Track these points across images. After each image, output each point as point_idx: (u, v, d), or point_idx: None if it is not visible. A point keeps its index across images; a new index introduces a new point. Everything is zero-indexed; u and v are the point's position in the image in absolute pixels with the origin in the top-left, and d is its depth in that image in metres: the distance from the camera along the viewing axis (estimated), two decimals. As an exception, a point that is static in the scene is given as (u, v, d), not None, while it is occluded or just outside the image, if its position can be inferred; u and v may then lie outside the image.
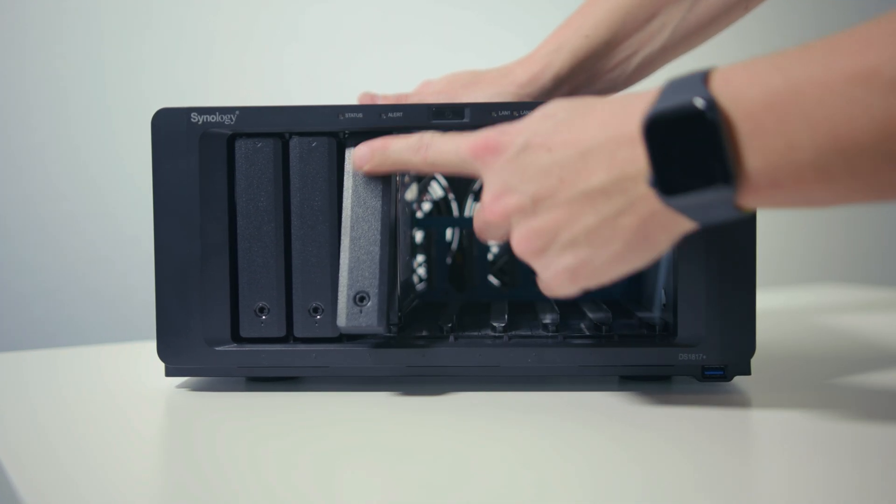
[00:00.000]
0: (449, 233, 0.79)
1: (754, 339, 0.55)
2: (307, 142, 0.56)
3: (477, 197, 0.79)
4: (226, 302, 0.57)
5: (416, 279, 0.78)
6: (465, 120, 0.56)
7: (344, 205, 0.56)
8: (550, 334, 0.58)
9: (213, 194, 0.56)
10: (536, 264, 0.47)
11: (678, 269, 0.54)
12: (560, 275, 0.46)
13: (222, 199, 0.56)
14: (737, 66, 0.39)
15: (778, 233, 1.65)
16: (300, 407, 0.53)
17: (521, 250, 0.47)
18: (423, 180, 0.78)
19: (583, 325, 0.60)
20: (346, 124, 0.56)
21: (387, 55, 1.26)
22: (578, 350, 0.56)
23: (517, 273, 0.77)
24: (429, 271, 0.78)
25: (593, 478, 0.40)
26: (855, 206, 1.61)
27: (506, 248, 0.79)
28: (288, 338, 0.57)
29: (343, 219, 0.55)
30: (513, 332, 0.58)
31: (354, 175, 0.56)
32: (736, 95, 0.38)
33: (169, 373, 0.57)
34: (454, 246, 0.80)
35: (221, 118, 0.56)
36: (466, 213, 0.79)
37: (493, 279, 0.79)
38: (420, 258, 0.79)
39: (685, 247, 0.54)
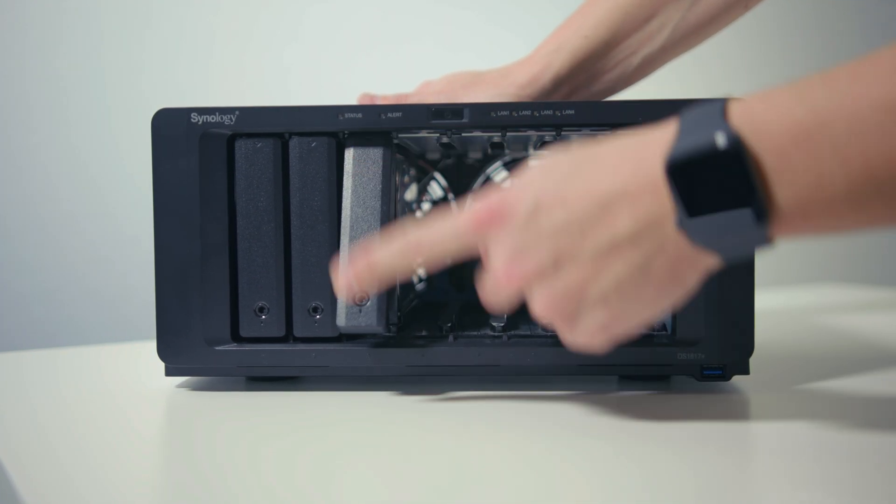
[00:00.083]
0: (449, 233, 0.79)
1: (753, 338, 0.55)
2: (307, 142, 0.56)
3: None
4: (226, 302, 0.57)
5: (415, 279, 0.78)
6: (465, 120, 0.56)
7: (343, 205, 0.56)
8: (550, 334, 0.58)
9: (213, 194, 0.56)
10: (565, 327, 0.43)
11: (677, 269, 0.54)
12: (590, 332, 0.43)
13: (222, 199, 0.56)
14: (755, 97, 0.38)
15: (778, 233, 1.65)
16: (300, 407, 0.53)
17: (547, 315, 0.43)
18: (422, 180, 0.78)
19: (582, 325, 0.60)
20: (346, 124, 0.56)
21: (387, 55, 1.26)
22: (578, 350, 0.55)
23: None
24: (427, 271, 0.78)
25: (592, 478, 0.40)
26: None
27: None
28: (288, 337, 0.57)
29: (343, 219, 0.55)
30: (512, 332, 0.58)
31: (354, 175, 0.56)
32: (759, 129, 0.36)
33: (169, 373, 0.57)
34: (454, 246, 0.79)
35: (221, 118, 0.56)
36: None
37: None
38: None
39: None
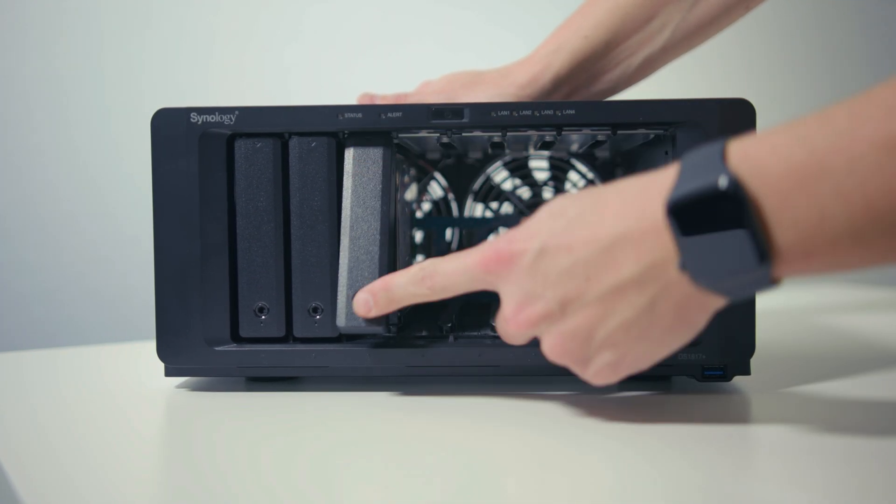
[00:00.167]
0: (449, 233, 0.79)
1: (754, 339, 0.55)
2: (307, 142, 0.56)
3: (477, 197, 0.79)
4: (225, 302, 0.57)
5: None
6: (465, 120, 0.56)
7: (343, 205, 0.56)
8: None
9: (213, 194, 0.56)
10: (575, 367, 0.45)
11: (678, 269, 0.54)
12: (601, 372, 0.44)
13: (222, 199, 0.56)
14: (753, 139, 0.38)
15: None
16: (300, 407, 0.53)
17: (555, 356, 0.45)
18: (422, 180, 0.78)
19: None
20: (346, 124, 0.56)
21: (387, 55, 1.26)
22: (578, 350, 0.55)
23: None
24: (425, 259, 0.78)
25: (592, 478, 0.40)
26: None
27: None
28: (287, 338, 0.57)
29: (343, 219, 0.55)
30: (512, 332, 0.58)
31: (354, 175, 0.56)
32: (758, 171, 0.37)
33: (169, 373, 0.57)
34: (454, 246, 0.80)
35: (221, 118, 0.56)
36: (466, 213, 0.79)
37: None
38: (420, 258, 0.79)
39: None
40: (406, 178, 0.70)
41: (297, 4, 1.22)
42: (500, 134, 0.59)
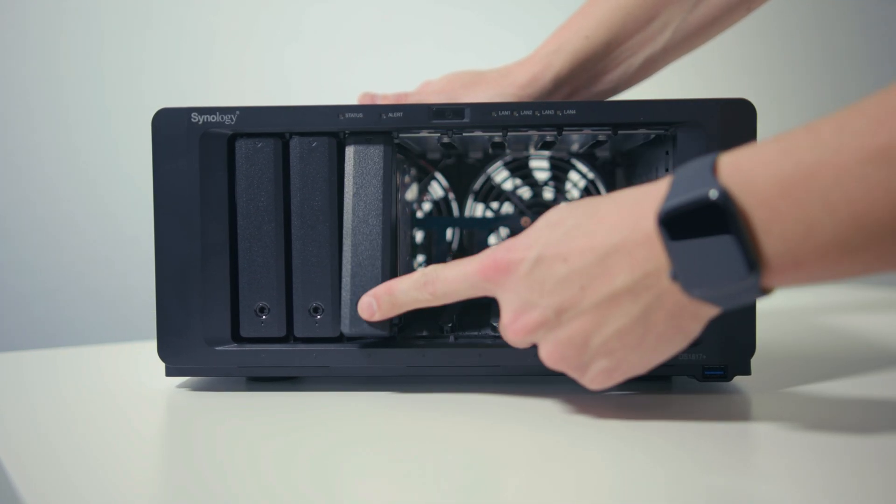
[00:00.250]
0: (449, 233, 0.79)
1: (754, 339, 0.55)
2: (307, 142, 0.56)
3: (477, 197, 0.79)
4: (226, 302, 0.57)
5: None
6: (465, 120, 0.56)
7: (345, 206, 0.56)
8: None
9: (213, 194, 0.56)
10: (572, 372, 0.46)
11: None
12: (598, 377, 0.46)
13: (222, 199, 0.56)
14: (743, 152, 0.39)
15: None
16: (300, 407, 0.53)
17: (552, 362, 0.46)
18: (423, 180, 0.78)
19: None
20: (347, 124, 0.56)
21: (387, 55, 1.26)
22: (579, 350, 0.55)
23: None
24: (427, 266, 0.78)
25: (593, 479, 0.40)
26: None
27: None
28: (288, 338, 0.57)
29: (344, 221, 0.55)
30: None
31: (355, 175, 0.56)
32: (747, 184, 0.38)
33: (169, 373, 0.57)
34: (454, 246, 0.80)
35: (222, 118, 0.56)
36: (466, 213, 0.79)
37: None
38: (420, 258, 0.79)
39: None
40: (406, 178, 0.70)
41: (297, 4, 1.22)
42: (500, 134, 0.59)
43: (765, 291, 0.40)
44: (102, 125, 1.12)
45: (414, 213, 0.77)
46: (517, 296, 0.46)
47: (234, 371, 0.57)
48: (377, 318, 0.54)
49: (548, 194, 0.77)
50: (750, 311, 0.54)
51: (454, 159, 0.79)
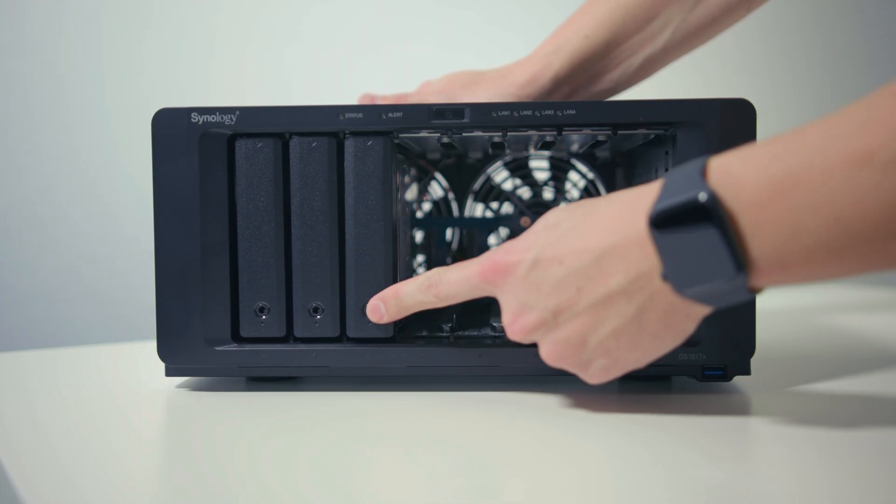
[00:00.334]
0: (449, 233, 0.79)
1: (754, 339, 0.55)
2: (307, 142, 0.56)
3: (477, 197, 0.79)
4: (226, 302, 0.57)
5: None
6: (465, 120, 0.56)
7: (346, 207, 0.56)
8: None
9: (213, 194, 0.56)
10: (572, 369, 0.48)
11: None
12: (597, 373, 0.47)
13: (222, 199, 0.56)
14: (732, 156, 0.40)
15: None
16: (300, 407, 0.53)
17: (552, 361, 0.47)
18: (423, 180, 0.78)
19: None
20: (346, 124, 0.56)
21: (387, 55, 1.26)
22: (578, 350, 0.55)
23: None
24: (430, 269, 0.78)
25: (593, 478, 0.40)
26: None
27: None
28: (288, 338, 0.57)
29: (346, 222, 0.56)
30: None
31: (355, 175, 0.56)
32: (736, 186, 0.39)
33: (169, 373, 0.57)
34: (454, 246, 0.80)
35: (221, 118, 0.56)
36: (466, 213, 0.79)
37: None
38: (420, 258, 0.79)
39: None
40: (406, 178, 0.70)
41: (297, 4, 1.22)
42: (500, 134, 0.59)
43: (754, 291, 0.41)
44: (102, 125, 1.12)
45: (414, 213, 0.77)
46: (516, 297, 0.47)
47: (233, 371, 0.57)
48: (385, 320, 0.55)
49: (548, 194, 0.77)
50: (750, 311, 0.54)
51: (454, 159, 0.79)
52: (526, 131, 0.58)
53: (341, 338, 0.57)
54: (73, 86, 1.11)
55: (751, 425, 0.49)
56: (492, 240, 0.77)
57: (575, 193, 0.77)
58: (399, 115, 0.55)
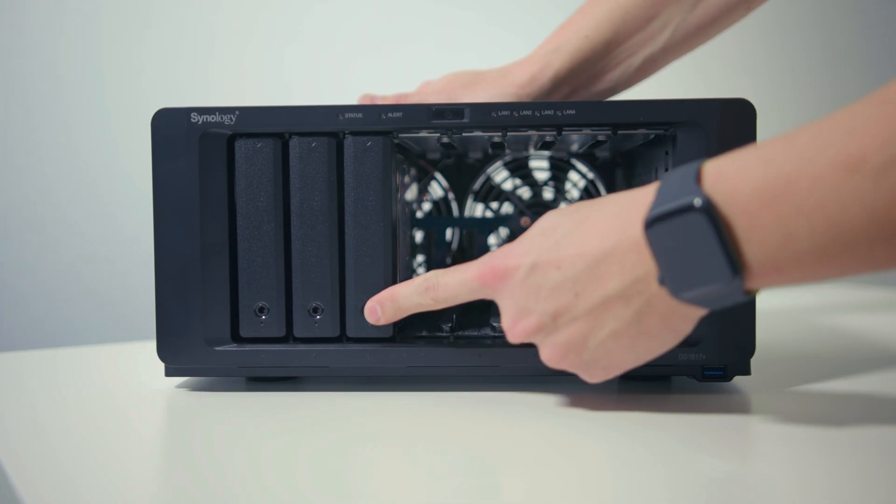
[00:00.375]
0: (449, 233, 0.79)
1: (754, 338, 0.55)
2: (307, 142, 0.56)
3: (477, 197, 0.79)
4: (226, 302, 0.57)
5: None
6: (465, 120, 0.56)
7: (346, 208, 0.56)
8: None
9: (213, 194, 0.56)
10: (573, 370, 0.48)
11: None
12: (597, 373, 0.48)
13: (222, 199, 0.56)
14: (726, 160, 0.40)
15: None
16: (300, 407, 0.53)
17: (553, 363, 0.48)
18: (423, 180, 0.78)
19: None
20: (346, 124, 0.56)
21: (387, 55, 1.26)
22: (578, 350, 0.55)
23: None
24: (428, 271, 0.78)
25: (593, 478, 0.40)
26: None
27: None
28: (288, 338, 0.57)
29: (346, 224, 0.56)
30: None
31: (354, 175, 0.56)
32: (730, 193, 0.39)
33: (169, 373, 0.57)
34: (454, 246, 0.80)
35: (221, 118, 0.56)
36: (466, 213, 0.79)
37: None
38: (420, 258, 0.79)
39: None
40: (406, 178, 0.70)
41: (297, 4, 1.22)
42: (500, 134, 0.59)
43: (749, 293, 0.41)
44: (102, 125, 1.12)
45: (414, 213, 0.77)
46: (514, 302, 0.48)
47: (233, 371, 0.57)
48: (382, 322, 0.55)
49: (547, 194, 0.77)
50: (749, 312, 0.54)
51: (454, 159, 0.79)
52: (526, 131, 0.58)
53: (341, 338, 0.57)
54: (73, 86, 1.11)
55: (750, 425, 0.49)
56: (492, 240, 0.77)
57: (575, 193, 0.77)
58: (399, 115, 0.55)
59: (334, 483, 0.40)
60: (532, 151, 0.76)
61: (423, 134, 0.58)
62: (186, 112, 0.55)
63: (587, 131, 0.58)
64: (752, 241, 0.39)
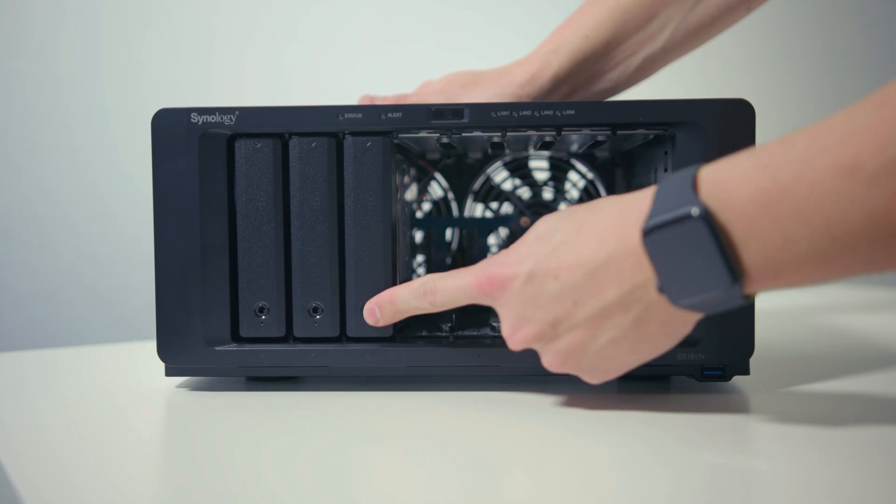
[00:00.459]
0: (448, 233, 0.79)
1: (753, 338, 0.55)
2: (307, 142, 0.56)
3: (477, 197, 0.79)
4: (226, 302, 0.57)
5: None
6: (465, 120, 0.56)
7: (345, 208, 0.56)
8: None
9: (213, 194, 0.56)
10: (574, 373, 0.49)
11: (678, 269, 0.54)
12: (599, 376, 0.48)
13: (222, 199, 0.56)
14: (722, 166, 0.40)
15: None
16: (300, 407, 0.53)
17: (554, 369, 0.48)
18: (422, 180, 0.78)
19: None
20: (346, 125, 0.56)
21: (387, 55, 1.26)
22: (578, 350, 0.55)
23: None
24: (429, 271, 0.78)
25: (593, 478, 0.40)
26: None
27: (506, 246, 0.79)
28: (288, 337, 0.57)
29: (345, 224, 0.56)
30: (512, 332, 0.58)
31: (354, 175, 0.56)
32: (727, 199, 0.39)
33: (169, 373, 0.57)
34: (454, 246, 0.80)
35: (221, 118, 0.56)
36: (466, 213, 0.79)
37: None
38: (420, 258, 0.79)
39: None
40: (406, 179, 0.70)
41: (297, 4, 1.22)
42: (500, 134, 0.59)
43: (748, 297, 0.41)
44: (102, 125, 1.12)
45: (414, 213, 0.77)
46: (512, 310, 0.48)
47: (233, 371, 0.57)
48: (381, 324, 0.55)
49: (547, 194, 0.77)
50: (749, 312, 0.54)
51: (454, 159, 0.79)
52: (525, 131, 0.58)
53: (341, 338, 0.57)
54: (73, 86, 1.11)
55: (750, 425, 0.49)
56: (491, 240, 0.77)
57: (574, 193, 0.78)
58: (398, 115, 0.55)
59: (334, 483, 0.40)
60: (532, 151, 0.76)
61: (423, 134, 0.58)
62: (186, 112, 0.55)
63: (587, 131, 0.58)
64: (751, 246, 0.39)
